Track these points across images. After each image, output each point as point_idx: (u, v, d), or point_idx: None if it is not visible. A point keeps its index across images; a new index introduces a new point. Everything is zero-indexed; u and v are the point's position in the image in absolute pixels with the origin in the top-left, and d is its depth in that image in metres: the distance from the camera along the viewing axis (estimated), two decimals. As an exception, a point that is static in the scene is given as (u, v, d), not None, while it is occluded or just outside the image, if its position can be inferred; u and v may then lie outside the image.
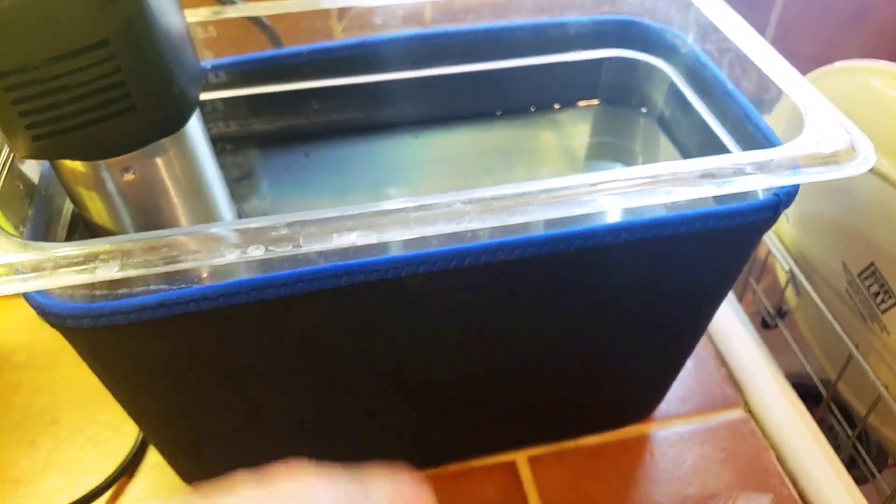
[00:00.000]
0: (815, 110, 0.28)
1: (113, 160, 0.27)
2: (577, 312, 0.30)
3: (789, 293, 0.52)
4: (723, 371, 0.44)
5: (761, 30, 0.59)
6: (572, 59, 0.39)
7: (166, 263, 0.22)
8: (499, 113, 0.41)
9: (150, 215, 0.29)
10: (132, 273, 0.22)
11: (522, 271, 0.27)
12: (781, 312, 0.55)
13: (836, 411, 0.48)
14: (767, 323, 0.57)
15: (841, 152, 0.26)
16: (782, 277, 0.52)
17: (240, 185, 0.41)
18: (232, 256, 0.22)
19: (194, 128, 0.29)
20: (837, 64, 0.41)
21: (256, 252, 0.22)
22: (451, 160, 0.42)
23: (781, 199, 0.27)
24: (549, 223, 0.25)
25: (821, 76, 0.43)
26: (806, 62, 0.62)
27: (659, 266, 0.29)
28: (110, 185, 0.28)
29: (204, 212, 0.30)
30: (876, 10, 0.59)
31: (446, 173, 0.43)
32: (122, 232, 0.29)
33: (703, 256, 0.29)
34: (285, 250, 0.23)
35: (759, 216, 0.27)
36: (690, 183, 0.25)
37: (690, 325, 0.34)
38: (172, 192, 0.29)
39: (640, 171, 0.25)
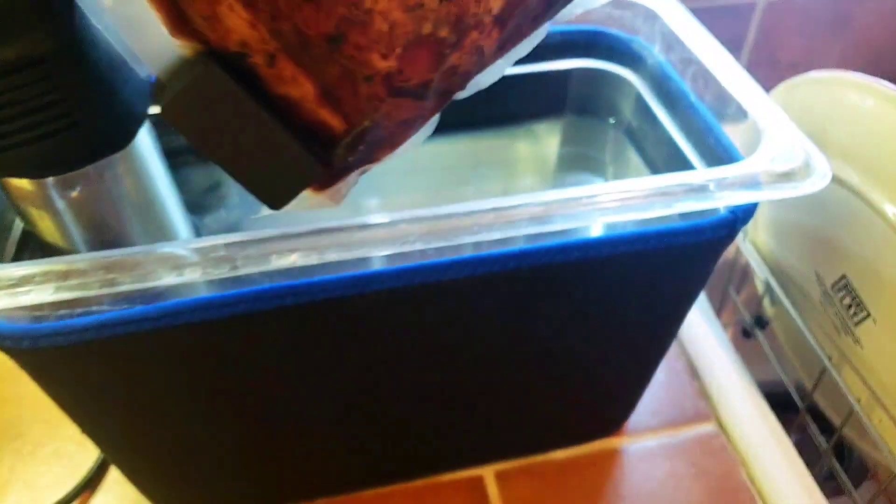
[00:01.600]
0: (772, 126, 0.27)
1: (58, 178, 0.26)
2: (535, 329, 0.30)
3: (766, 303, 0.51)
4: (695, 384, 0.44)
5: (741, 36, 0.58)
6: (540, 70, 0.38)
7: (101, 286, 0.22)
8: (467, 125, 0.41)
9: (100, 232, 0.29)
10: (66, 296, 0.22)
11: (468, 290, 0.26)
12: (762, 322, 0.55)
13: (812, 423, 0.48)
14: (748, 332, 0.57)
15: (796, 170, 0.25)
16: (760, 287, 0.52)
17: (207, 196, 0.40)
18: (168, 279, 0.22)
19: (144, 143, 0.28)
20: (812, 73, 0.41)
21: (193, 275, 0.22)
22: (420, 172, 0.42)
23: (738, 217, 0.27)
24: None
25: (794, 86, 0.43)
26: (786, 69, 0.62)
27: (614, 284, 0.28)
28: (57, 203, 0.27)
29: (156, 227, 0.30)
30: (857, 17, 0.58)
31: (418, 185, 0.42)
32: (73, 249, 0.28)
33: (660, 273, 0.28)
34: (222, 272, 0.22)
35: (715, 234, 0.27)
36: (641, 202, 0.24)
37: (654, 339, 0.33)
38: (122, 208, 0.29)
39: (589, 190, 0.24)
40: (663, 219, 0.25)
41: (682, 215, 0.28)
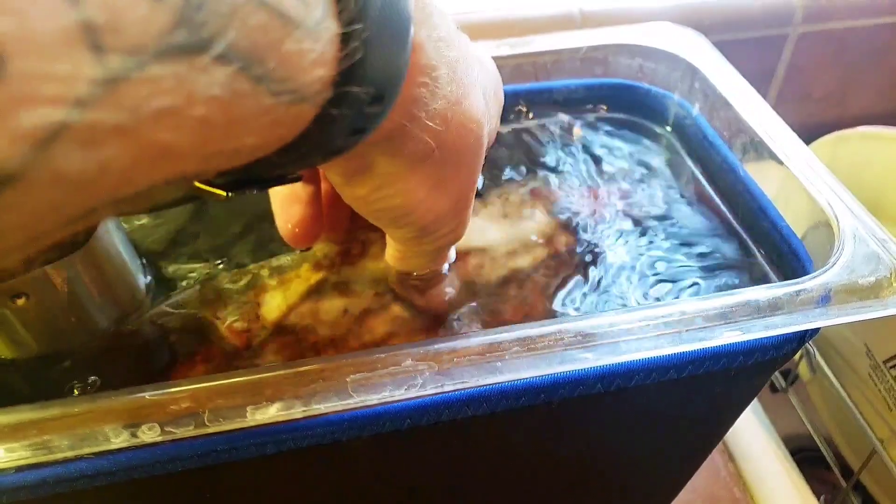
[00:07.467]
0: (848, 222, 0.23)
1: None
2: (560, 455, 0.25)
3: (803, 367, 0.47)
4: (730, 468, 0.40)
5: (771, 68, 0.54)
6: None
7: (35, 451, 0.18)
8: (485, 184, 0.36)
9: (57, 335, 0.25)
10: (-11, 466, 0.17)
11: (485, 425, 0.22)
12: (792, 377, 0.50)
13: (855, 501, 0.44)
14: (776, 388, 0.53)
15: (882, 282, 0.21)
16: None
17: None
18: (118, 441, 0.18)
19: (106, 229, 0.24)
20: (861, 128, 0.37)
21: (149, 434, 0.18)
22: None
23: (807, 331, 0.22)
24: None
25: (840, 140, 0.38)
26: (817, 103, 0.58)
27: (657, 408, 0.24)
28: (2, 312, 0.23)
29: (119, 309, 0.25)
30: (893, 50, 0.54)
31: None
32: (20, 359, 0.24)
33: (712, 394, 0.24)
34: (187, 430, 0.18)
35: (779, 351, 0.22)
36: (701, 329, 0.20)
37: (697, 450, 0.29)
38: (80, 309, 0.24)
39: (638, 314, 0.20)
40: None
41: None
